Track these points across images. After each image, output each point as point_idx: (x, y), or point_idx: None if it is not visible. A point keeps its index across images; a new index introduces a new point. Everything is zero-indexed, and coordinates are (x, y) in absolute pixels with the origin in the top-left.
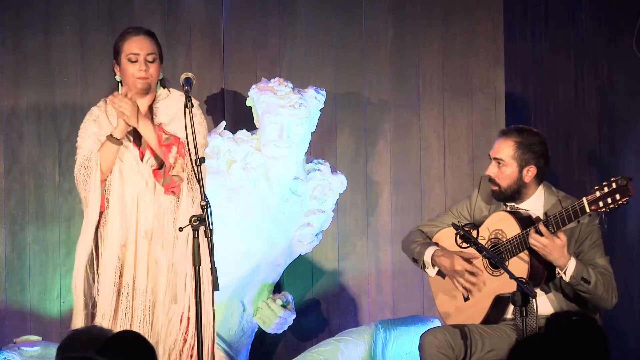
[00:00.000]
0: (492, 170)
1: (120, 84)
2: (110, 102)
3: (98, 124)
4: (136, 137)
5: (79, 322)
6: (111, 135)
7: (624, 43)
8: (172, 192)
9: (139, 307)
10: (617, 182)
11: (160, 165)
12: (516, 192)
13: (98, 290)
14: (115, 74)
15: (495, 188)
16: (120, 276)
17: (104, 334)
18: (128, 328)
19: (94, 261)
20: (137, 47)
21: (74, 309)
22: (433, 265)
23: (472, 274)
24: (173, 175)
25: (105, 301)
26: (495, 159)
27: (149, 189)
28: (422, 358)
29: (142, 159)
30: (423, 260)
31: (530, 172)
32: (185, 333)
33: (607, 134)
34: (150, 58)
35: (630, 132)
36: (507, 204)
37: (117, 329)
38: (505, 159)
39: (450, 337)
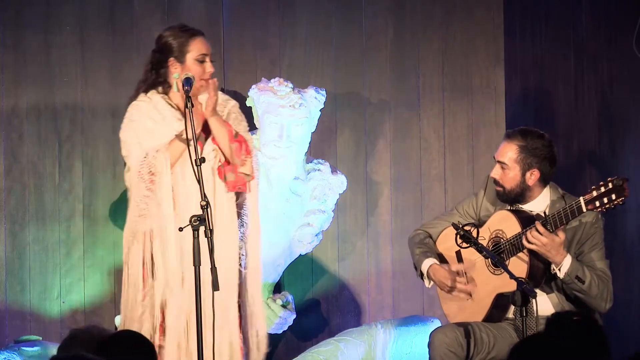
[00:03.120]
0: (496, 172)
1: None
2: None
3: (152, 120)
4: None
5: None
6: (180, 134)
7: (624, 43)
8: (239, 189)
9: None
10: (614, 182)
11: (224, 162)
12: (520, 195)
13: (153, 284)
14: (172, 73)
15: (500, 189)
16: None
17: (105, 334)
18: (206, 325)
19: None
20: (205, 48)
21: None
22: (429, 279)
23: (462, 276)
24: (243, 173)
25: (175, 296)
26: (498, 162)
27: (208, 185)
28: (432, 355)
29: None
30: (420, 270)
31: (533, 176)
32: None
33: (607, 134)
34: (211, 58)
35: (630, 132)
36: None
37: (192, 322)
38: (508, 163)
39: (460, 335)
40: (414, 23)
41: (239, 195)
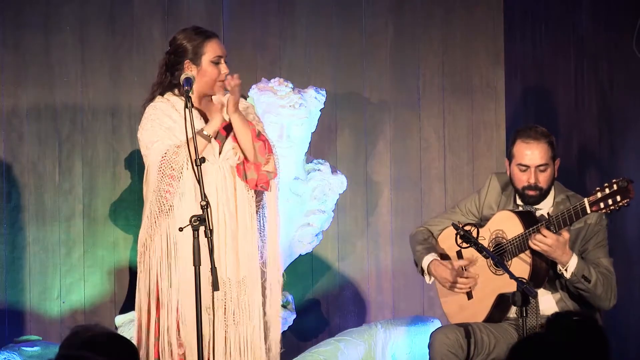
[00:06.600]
0: (532, 178)
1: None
2: (228, 83)
3: (171, 119)
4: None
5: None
6: (202, 130)
7: (624, 43)
8: (262, 187)
9: (233, 300)
10: (618, 183)
11: (243, 159)
12: (548, 191)
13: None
14: (185, 73)
15: (536, 193)
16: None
17: (106, 333)
18: (229, 321)
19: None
20: (220, 50)
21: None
22: (430, 274)
23: (465, 277)
24: (266, 171)
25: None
26: (538, 166)
27: (228, 183)
28: (432, 356)
29: (219, 154)
30: (422, 266)
31: (557, 164)
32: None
33: (607, 134)
34: (226, 59)
35: (630, 132)
36: (532, 205)
37: (217, 322)
38: (547, 162)
39: (460, 336)
40: (414, 23)
41: (258, 194)
